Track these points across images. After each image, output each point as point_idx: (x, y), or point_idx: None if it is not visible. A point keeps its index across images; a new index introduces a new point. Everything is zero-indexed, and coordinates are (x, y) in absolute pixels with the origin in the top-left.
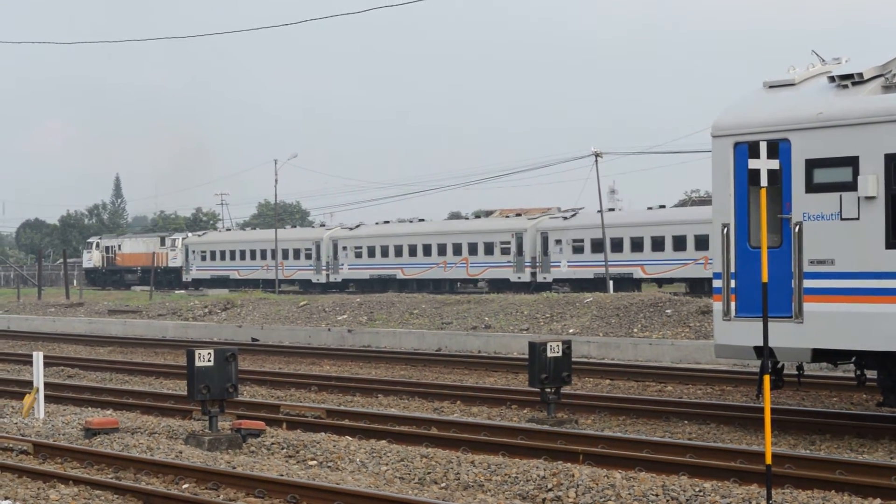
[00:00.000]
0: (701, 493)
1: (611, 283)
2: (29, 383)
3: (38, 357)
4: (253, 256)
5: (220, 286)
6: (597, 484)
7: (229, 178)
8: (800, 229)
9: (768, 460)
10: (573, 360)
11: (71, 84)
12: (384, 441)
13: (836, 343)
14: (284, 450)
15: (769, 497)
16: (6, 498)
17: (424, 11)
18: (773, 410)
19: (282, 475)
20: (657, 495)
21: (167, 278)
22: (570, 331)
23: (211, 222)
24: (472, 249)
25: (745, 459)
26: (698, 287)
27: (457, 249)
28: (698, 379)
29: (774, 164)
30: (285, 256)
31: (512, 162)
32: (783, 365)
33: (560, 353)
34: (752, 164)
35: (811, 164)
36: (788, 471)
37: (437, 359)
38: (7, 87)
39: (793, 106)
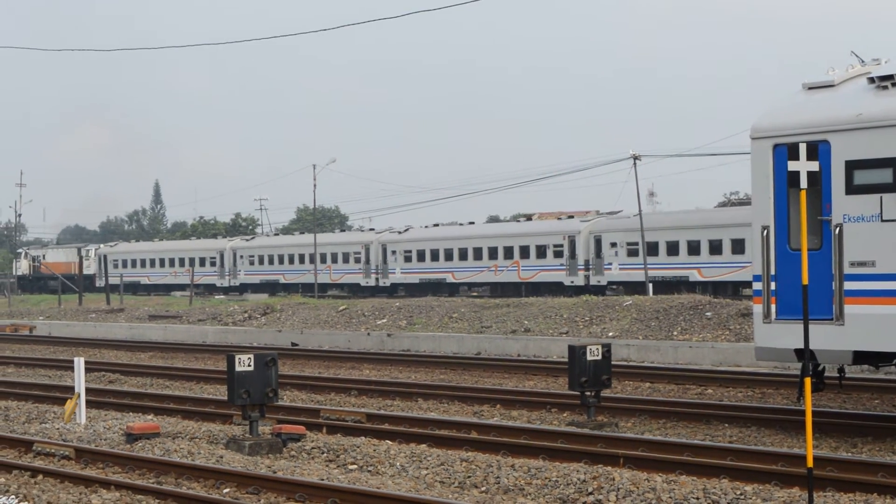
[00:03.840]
0: (742, 497)
1: (650, 286)
2: (70, 389)
3: (80, 363)
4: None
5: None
6: (637, 487)
7: (268, 184)
8: (840, 231)
9: (810, 463)
10: (613, 363)
11: (107, 90)
12: (424, 445)
13: (877, 345)
14: (325, 454)
15: (811, 500)
16: (48, 502)
17: (455, 16)
18: (814, 413)
19: (322, 479)
20: (698, 498)
21: (84, 284)
22: (610, 334)
23: (250, 227)
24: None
25: (787, 462)
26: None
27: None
28: (739, 382)
29: (814, 165)
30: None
31: (550, 166)
32: (824, 367)
33: (600, 357)
34: (792, 165)
35: (851, 166)
36: (830, 474)
37: (476, 362)
38: (48, 95)
39: (832, 107)
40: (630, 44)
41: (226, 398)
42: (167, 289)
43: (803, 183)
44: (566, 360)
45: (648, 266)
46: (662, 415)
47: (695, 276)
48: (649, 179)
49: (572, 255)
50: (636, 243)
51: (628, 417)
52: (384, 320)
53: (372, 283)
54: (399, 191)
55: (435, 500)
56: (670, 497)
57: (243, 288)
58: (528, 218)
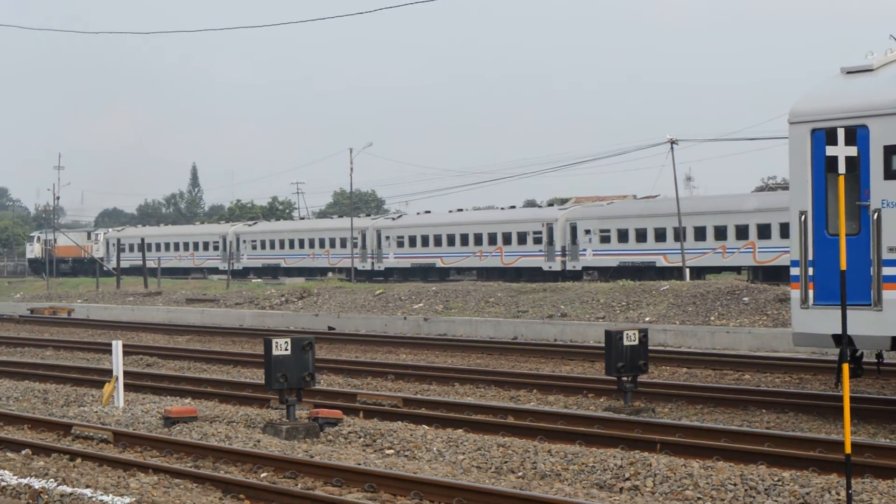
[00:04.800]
0: (780, 483)
1: (686, 270)
2: (108, 372)
3: (118, 346)
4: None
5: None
6: (674, 473)
7: (305, 167)
8: (878, 216)
9: (848, 449)
10: (650, 348)
11: (145, 73)
12: (461, 430)
13: None
14: (362, 438)
15: (849, 486)
16: (87, 486)
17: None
18: (852, 399)
19: (359, 464)
20: (735, 485)
21: (92, 267)
22: (647, 319)
23: (287, 211)
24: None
25: (824, 448)
26: None
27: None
28: (776, 367)
29: (852, 150)
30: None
31: (587, 149)
32: (862, 353)
33: (636, 342)
34: (830, 150)
35: (890, 151)
36: (868, 460)
37: (513, 347)
38: (86, 78)
39: (871, 92)
40: (667, 25)
41: (263, 382)
42: (172, 272)
43: (841, 168)
44: (603, 345)
45: (618, 252)
46: (699, 400)
47: (661, 261)
48: (687, 164)
49: (550, 241)
50: (608, 230)
51: (665, 403)
52: (420, 304)
53: (368, 267)
54: (437, 175)
55: (472, 485)
56: (707, 483)
57: (245, 272)
58: (564, 202)
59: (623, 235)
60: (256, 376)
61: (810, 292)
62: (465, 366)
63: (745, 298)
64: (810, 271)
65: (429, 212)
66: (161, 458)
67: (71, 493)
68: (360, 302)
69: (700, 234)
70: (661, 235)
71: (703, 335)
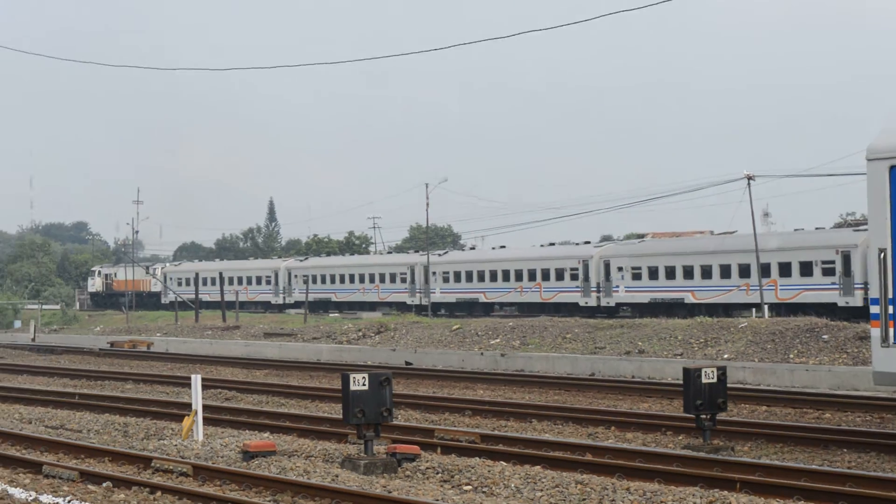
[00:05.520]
0: None
1: (766, 307)
2: (188, 406)
3: (197, 380)
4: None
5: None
6: None
7: (381, 202)
8: None
9: None
10: (728, 385)
11: (221, 106)
12: (538, 466)
13: None
14: (439, 474)
15: None
16: None
17: (565, 35)
18: None
19: (437, 500)
20: None
21: (151, 301)
22: (725, 356)
23: (363, 245)
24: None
25: None
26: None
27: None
28: (857, 406)
29: None
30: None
31: (664, 185)
32: None
33: (715, 379)
34: None
35: None
36: None
37: (590, 383)
38: (163, 111)
39: None
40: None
41: (341, 417)
42: (230, 306)
43: None
44: (681, 382)
45: (649, 289)
46: (779, 439)
47: (689, 298)
48: (764, 199)
49: (586, 277)
50: (639, 267)
51: (745, 441)
52: (497, 340)
53: (416, 301)
54: (513, 210)
55: None
56: None
57: (297, 305)
58: (641, 238)
59: (653, 273)
60: (334, 411)
61: (891, 330)
62: (543, 402)
63: (825, 336)
64: (891, 309)
65: (473, 248)
66: (240, 491)
67: None
68: (437, 337)
69: (725, 272)
70: (688, 273)
71: (783, 373)
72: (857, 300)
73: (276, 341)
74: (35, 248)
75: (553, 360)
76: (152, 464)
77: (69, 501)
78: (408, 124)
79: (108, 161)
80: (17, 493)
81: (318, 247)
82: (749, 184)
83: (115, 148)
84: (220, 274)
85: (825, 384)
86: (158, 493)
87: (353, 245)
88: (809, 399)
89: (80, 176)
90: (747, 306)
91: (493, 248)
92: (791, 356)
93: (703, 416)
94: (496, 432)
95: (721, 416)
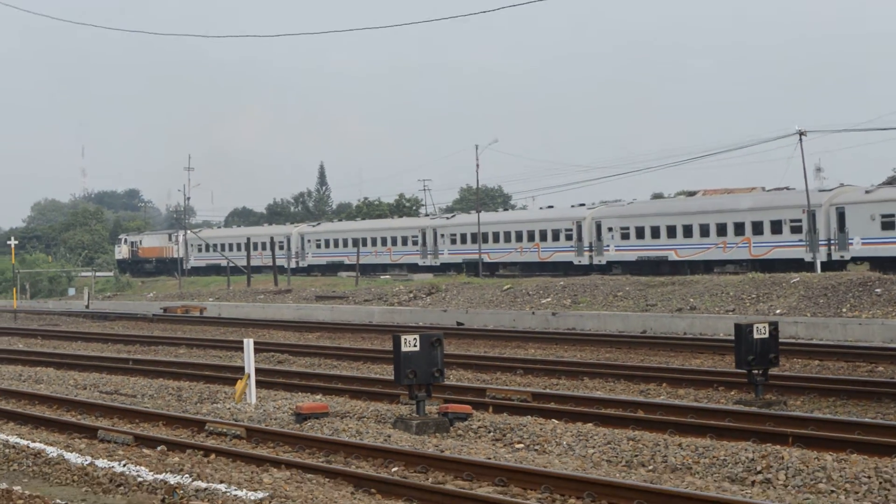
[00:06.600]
0: None
1: (818, 262)
2: (241, 369)
3: (249, 344)
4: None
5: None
6: (807, 466)
7: (430, 164)
8: None
9: None
10: (780, 340)
11: (268, 73)
12: (590, 424)
13: None
14: (491, 433)
15: None
16: (221, 481)
17: None
18: None
19: (489, 458)
20: (869, 478)
21: (173, 266)
22: (777, 311)
23: (414, 208)
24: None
25: None
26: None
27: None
28: None
29: None
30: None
31: (716, 141)
32: None
33: (767, 335)
34: None
35: None
36: None
37: (642, 341)
38: (212, 78)
39: None
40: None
41: (392, 378)
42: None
43: None
44: (733, 338)
45: (636, 248)
46: (832, 393)
47: (672, 256)
48: (816, 154)
49: (579, 238)
50: (627, 228)
51: (797, 396)
52: (549, 299)
53: (427, 262)
54: (563, 169)
55: (602, 479)
56: (841, 476)
57: (310, 269)
58: (692, 195)
59: (640, 233)
60: (386, 372)
61: None
62: (594, 360)
63: (878, 290)
64: None
65: (478, 212)
66: (293, 453)
67: (206, 489)
68: (488, 297)
69: (704, 231)
70: (671, 232)
71: (835, 327)
72: (822, 256)
73: (328, 304)
74: (88, 216)
75: (604, 318)
76: (206, 427)
77: (124, 465)
78: (457, 88)
79: (159, 129)
80: (72, 457)
81: (369, 209)
82: (801, 139)
83: (167, 116)
84: (272, 238)
85: (878, 338)
86: (212, 456)
87: (404, 207)
88: (862, 352)
89: (130, 144)
90: (726, 262)
91: (496, 212)
92: (844, 310)
93: (755, 372)
94: (548, 391)
95: (773, 370)
